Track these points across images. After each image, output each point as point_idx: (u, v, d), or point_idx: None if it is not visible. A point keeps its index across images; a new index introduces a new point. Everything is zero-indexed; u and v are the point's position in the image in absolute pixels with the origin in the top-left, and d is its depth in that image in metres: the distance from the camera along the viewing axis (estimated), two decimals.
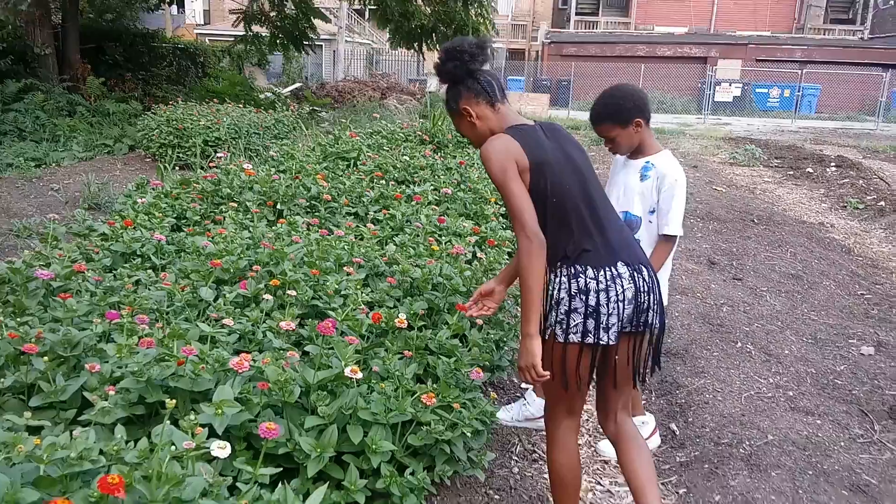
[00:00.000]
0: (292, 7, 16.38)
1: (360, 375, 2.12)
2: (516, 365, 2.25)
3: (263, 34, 16.89)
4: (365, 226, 3.99)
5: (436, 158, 5.64)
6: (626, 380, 2.27)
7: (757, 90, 27.89)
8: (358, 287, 2.97)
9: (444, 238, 3.81)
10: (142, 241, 3.67)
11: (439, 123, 7.90)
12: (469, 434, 2.29)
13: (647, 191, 2.83)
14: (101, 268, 3.41)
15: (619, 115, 2.72)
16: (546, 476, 2.89)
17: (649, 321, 2.19)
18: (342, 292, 2.94)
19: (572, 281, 2.10)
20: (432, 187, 4.86)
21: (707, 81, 25.84)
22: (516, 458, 3.02)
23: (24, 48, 12.25)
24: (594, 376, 2.27)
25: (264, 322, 2.64)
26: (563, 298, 2.11)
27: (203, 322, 2.45)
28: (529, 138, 2.14)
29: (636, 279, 2.13)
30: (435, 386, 2.37)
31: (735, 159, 12.76)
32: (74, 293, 2.82)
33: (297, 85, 22.56)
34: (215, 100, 11.54)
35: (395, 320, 2.55)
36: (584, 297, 2.08)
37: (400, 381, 2.29)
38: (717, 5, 32.77)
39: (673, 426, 3.36)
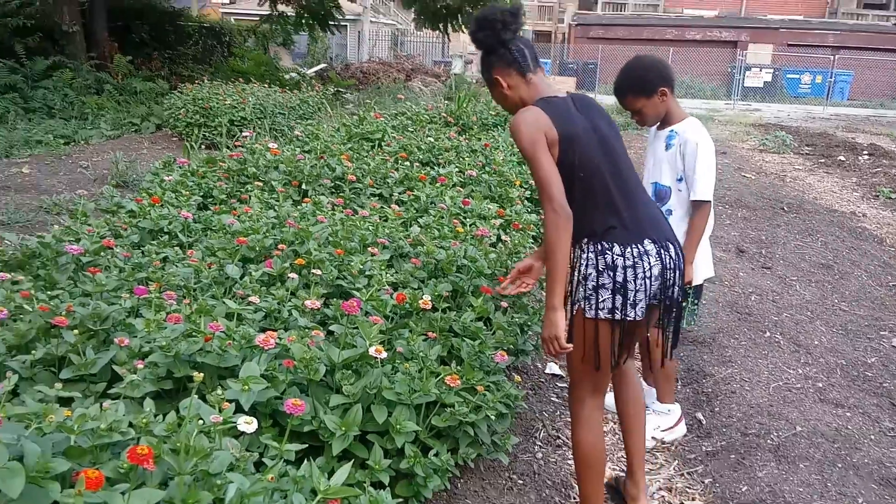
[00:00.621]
0: None
1: (384, 355, 2.11)
2: (540, 337, 2.24)
3: (289, 14, 16.88)
4: (389, 207, 3.98)
5: (460, 140, 5.60)
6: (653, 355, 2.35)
7: (788, 76, 27.39)
8: (382, 268, 2.96)
9: (468, 220, 3.79)
10: (169, 218, 3.69)
11: (464, 105, 7.85)
12: (493, 417, 2.28)
13: (671, 159, 2.85)
14: (130, 244, 3.44)
15: (644, 86, 2.72)
16: (570, 462, 2.89)
17: (675, 297, 2.20)
18: (367, 272, 2.93)
19: (599, 257, 2.10)
20: (457, 169, 4.83)
21: (737, 66, 25.43)
22: (540, 443, 3.01)
23: (52, 25, 12.32)
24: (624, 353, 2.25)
25: (290, 301, 2.64)
26: (590, 274, 2.12)
27: (229, 299, 2.45)
28: (560, 111, 2.13)
29: (662, 256, 2.13)
30: (459, 368, 2.36)
31: (765, 146, 12.56)
32: (103, 268, 2.84)
33: (322, 66, 22.55)
34: (241, 79, 11.57)
35: (420, 301, 2.54)
36: (611, 273, 2.09)
37: (424, 363, 2.28)
38: None
39: (699, 415, 3.32)
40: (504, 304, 2.87)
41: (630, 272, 2.08)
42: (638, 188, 2.22)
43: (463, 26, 17.43)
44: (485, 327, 2.73)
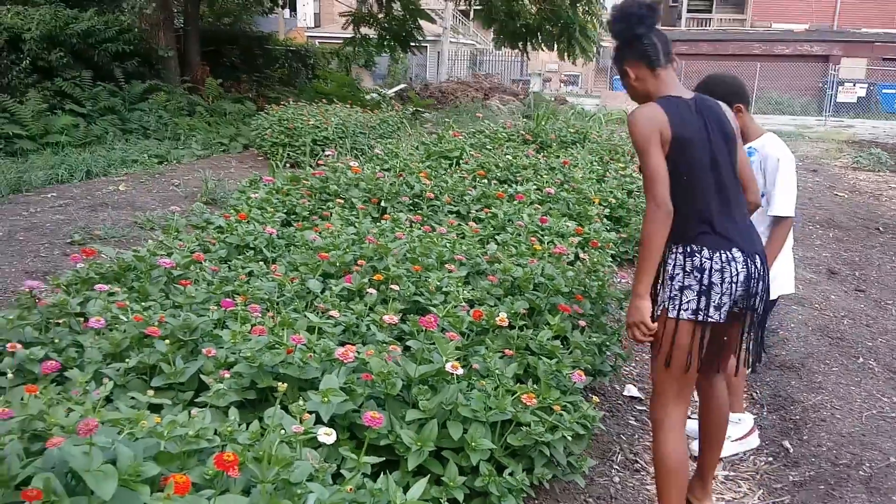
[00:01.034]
0: (399, 8, 16.69)
1: (461, 371, 2.12)
2: (625, 324, 2.31)
3: (371, 36, 17.29)
4: (467, 224, 4.00)
5: (538, 158, 5.59)
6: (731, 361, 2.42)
7: (883, 91, 26.09)
8: (459, 284, 2.98)
9: (546, 238, 3.77)
10: (254, 234, 3.83)
11: (542, 123, 7.84)
12: (569, 438, 2.25)
13: None
14: (218, 258, 3.58)
15: (731, 96, 2.69)
16: (648, 487, 2.82)
17: (755, 306, 2.24)
18: (443, 289, 2.96)
19: (688, 259, 2.17)
20: (535, 187, 4.82)
21: (829, 81, 24.38)
22: (617, 467, 2.94)
23: (149, 51, 13.01)
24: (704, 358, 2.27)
25: (368, 315, 2.69)
26: (677, 275, 2.18)
27: (311, 313, 2.51)
28: (679, 112, 2.18)
29: (749, 265, 2.18)
30: (535, 387, 2.34)
31: (858, 163, 11.99)
32: (193, 281, 2.97)
33: (402, 86, 22.96)
34: (324, 100, 11.90)
35: (496, 319, 2.54)
36: (698, 276, 2.15)
37: (500, 380, 2.28)
38: (841, 1, 30.95)
39: (787, 443, 3.18)
40: (582, 322, 2.84)
41: (717, 275, 2.14)
42: (736, 201, 2.25)
43: (542, 45, 17.46)
44: (562, 346, 2.71)
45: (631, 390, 3.64)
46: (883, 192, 9.53)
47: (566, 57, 16.75)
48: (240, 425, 1.81)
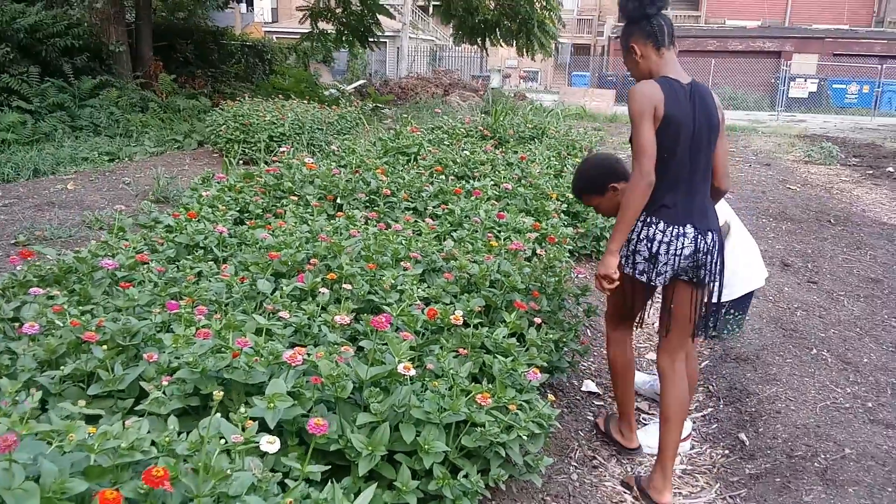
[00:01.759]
0: (357, 3, 16.54)
1: (413, 372, 2.07)
2: (594, 273, 2.57)
3: (329, 31, 17.10)
4: (423, 221, 3.95)
5: (496, 154, 5.56)
6: (681, 328, 2.61)
7: (834, 86, 26.74)
8: (414, 282, 2.93)
9: (502, 234, 3.73)
10: (205, 233, 3.72)
11: (500, 119, 7.81)
12: (525, 437, 2.22)
13: None
14: (165, 259, 3.47)
15: (594, 186, 2.84)
16: (607, 483, 2.81)
17: (703, 277, 2.50)
18: (398, 287, 2.90)
19: (644, 228, 2.45)
20: (492, 182, 4.79)
21: (781, 77, 24.89)
22: (575, 463, 2.92)
23: (100, 46, 12.65)
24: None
25: (320, 316, 2.62)
26: (632, 239, 2.48)
27: (260, 314, 2.43)
28: (675, 95, 2.35)
29: (697, 241, 2.44)
30: (490, 386, 2.30)
31: (810, 157, 12.25)
32: (137, 283, 2.86)
33: (361, 82, 22.79)
34: (281, 96, 11.71)
35: (451, 317, 2.49)
36: (648, 245, 2.44)
37: (454, 380, 2.23)
38: None
39: (742, 436, 3.20)
40: (538, 320, 2.80)
41: (664, 247, 2.42)
42: (702, 183, 2.48)
43: (501, 41, 17.48)
44: (518, 344, 2.67)
45: (589, 386, 3.62)
46: (834, 184, 9.74)
47: (525, 53, 16.81)
48: (180, 434, 1.73)
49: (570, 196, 5.03)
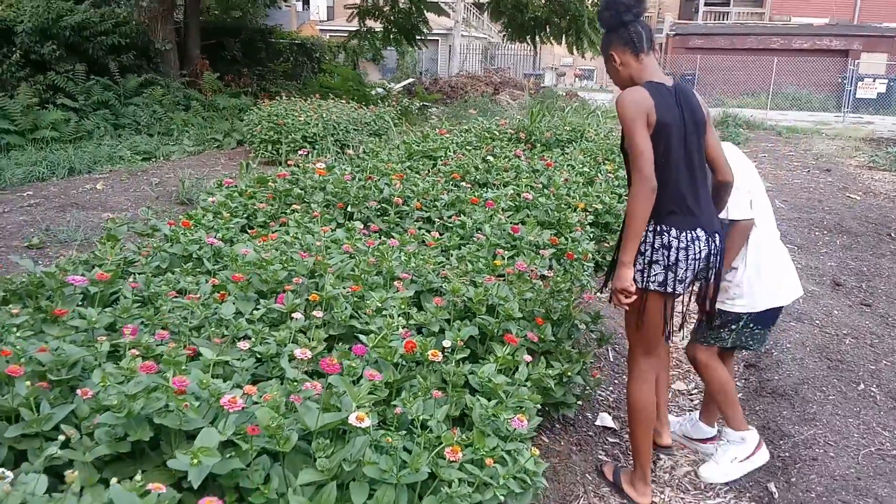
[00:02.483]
0: (406, 1, 16.35)
1: (367, 424, 1.79)
2: (611, 287, 2.49)
3: (377, 29, 16.96)
4: (432, 233, 3.67)
5: (520, 160, 5.23)
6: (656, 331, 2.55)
7: None
8: (403, 306, 2.66)
9: (509, 253, 3.41)
10: (200, 243, 3.52)
11: (537, 120, 7.47)
12: (502, 497, 1.92)
13: None
14: (151, 271, 3.28)
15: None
16: None
17: (709, 277, 2.55)
18: (385, 311, 2.63)
19: (657, 237, 2.40)
20: (512, 191, 4.48)
21: (848, 76, 23.69)
22: None
23: (147, 44, 12.75)
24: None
25: (292, 343, 2.37)
26: (647, 251, 2.41)
27: (215, 344, 2.20)
28: (664, 99, 2.36)
29: (710, 243, 2.45)
30: (464, 436, 2.01)
31: (875, 163, 11.52)
32: (106, 302, 2.67)
33: (410, 80, 22.57)
34: (318, 95, 11.56)
35: (429, 352, 2.21)
36: (666, 253, 2.39)
37: (421, 429, 1.95)
38: None
39: (772, 486, 2.83)
40: (528, 358, 2.48)
41: (682, 253, 2.38)
42: (703, 184, 2.47)
43: (551, 38, 17.05)
44: (510, 381, 2.37)
45: (605, 420, 3.30)
46: None
47: (574, 50, 16.33)
48: (82, 490, 1.50)
49: (599, 206, 4.69)
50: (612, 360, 3.89)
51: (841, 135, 16.37)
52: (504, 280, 2.88)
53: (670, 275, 2.40)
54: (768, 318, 2.84)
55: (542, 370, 2.55)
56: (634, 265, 2.39)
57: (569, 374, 2.72)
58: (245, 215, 4.32)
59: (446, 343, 2.43)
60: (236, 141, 10.92)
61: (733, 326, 2.82)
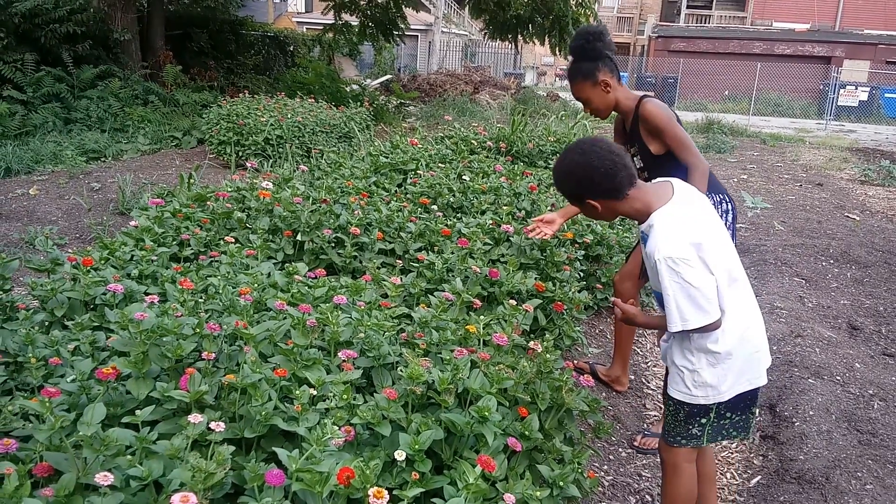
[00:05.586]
0: None
1: None
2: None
3: (354, 23, 16.24)
4: (392, 276, 3.02)
5: (500, 181, 4.57)
6: None
7: (886, 95, 25.13)
8: (346, 395, 2.01)
9: (492, 305, 2.78)
10: (107, 283, 2.85)
11: (519, 129, 6.84)
12: None
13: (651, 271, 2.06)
14: (36, 326, 2.60)
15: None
16: None
17: None
18: (318, 406, 1.98)
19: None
20: (490, 219, 3.84)
21: (830, 83, 23.37)
22: None
23: (106, 33, 11.92)
24: None
25: (186, 461, 1.72)
26: None
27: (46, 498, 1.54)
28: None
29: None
30: None
31: (867, 177, 11.07)
32: None
33: (387, 77, 21.85)
34: (282, 94, 10.84)
35: (371, 491, 1.57)
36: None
37: None
38: (844, 1, 30.00)
39: None
40: (500, 483, 1.85)
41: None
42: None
43: (533, 37, 16.46)
44: None
45: None
46: None
47: (557, 51, 15.76)
48: None
49: (589, 240, 4.07)
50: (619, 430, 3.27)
51: (825, 143, 16.01)
52: (478, 368, 2.23)
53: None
54: (744, 402, 2.15)
55: (525, 489, 1.91)
56: None
57: (560, 483, 2.10)
58: (176, 242, 3.64)
59: (399, 455, 1.80)
60: (196, 140, 10.15)
61: (703, 420, 2.18)
